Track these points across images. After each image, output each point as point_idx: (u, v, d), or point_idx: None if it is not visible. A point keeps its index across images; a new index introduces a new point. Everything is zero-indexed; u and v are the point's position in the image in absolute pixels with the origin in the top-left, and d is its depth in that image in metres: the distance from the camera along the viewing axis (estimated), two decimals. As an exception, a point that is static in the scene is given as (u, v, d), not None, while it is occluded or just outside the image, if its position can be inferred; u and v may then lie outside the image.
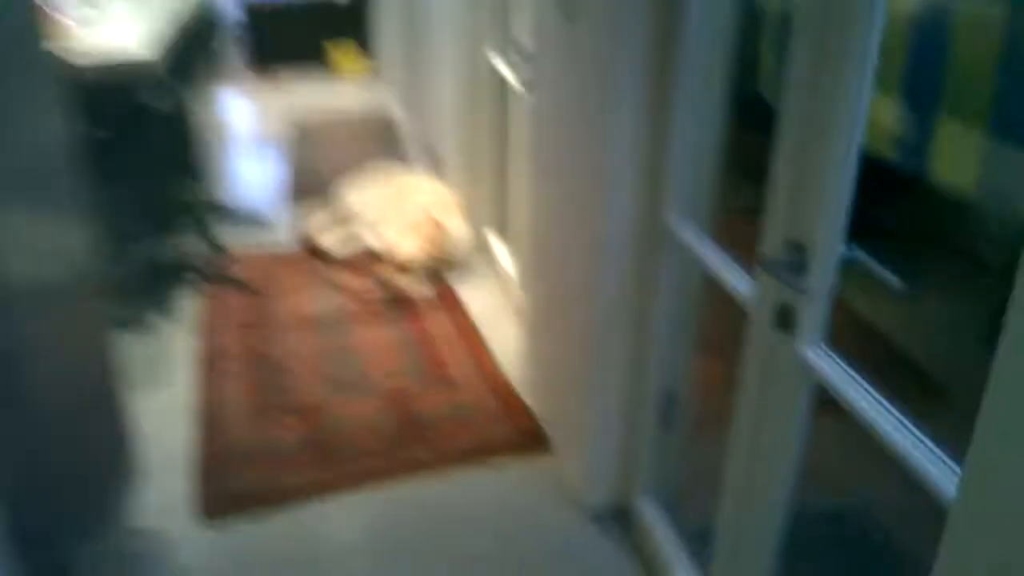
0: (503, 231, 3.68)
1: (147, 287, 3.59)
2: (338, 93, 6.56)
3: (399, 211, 3.72)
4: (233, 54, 7.24)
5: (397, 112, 5.87)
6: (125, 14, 3.64)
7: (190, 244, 3.93)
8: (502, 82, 3.36)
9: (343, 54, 6.93)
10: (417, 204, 3.68)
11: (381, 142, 5.29)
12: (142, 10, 3.69)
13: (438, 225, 3.57)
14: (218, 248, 3.92)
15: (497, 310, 3.36)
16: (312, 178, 4.70)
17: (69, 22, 3.31)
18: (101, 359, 2.19)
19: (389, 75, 6.38)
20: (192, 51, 3.92)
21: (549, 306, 2.55)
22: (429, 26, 4.47)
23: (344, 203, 4.04)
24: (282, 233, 4.13)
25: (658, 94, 1.90)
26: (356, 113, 5.93)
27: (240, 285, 3.59)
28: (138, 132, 3.37)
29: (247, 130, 5.96)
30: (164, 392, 2.99)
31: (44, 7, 3.34)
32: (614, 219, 2.03)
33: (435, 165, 4.36)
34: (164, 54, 3.32)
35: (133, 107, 3.28)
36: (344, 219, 4.00)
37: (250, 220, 4.25)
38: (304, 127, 5.63)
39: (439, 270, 3.57)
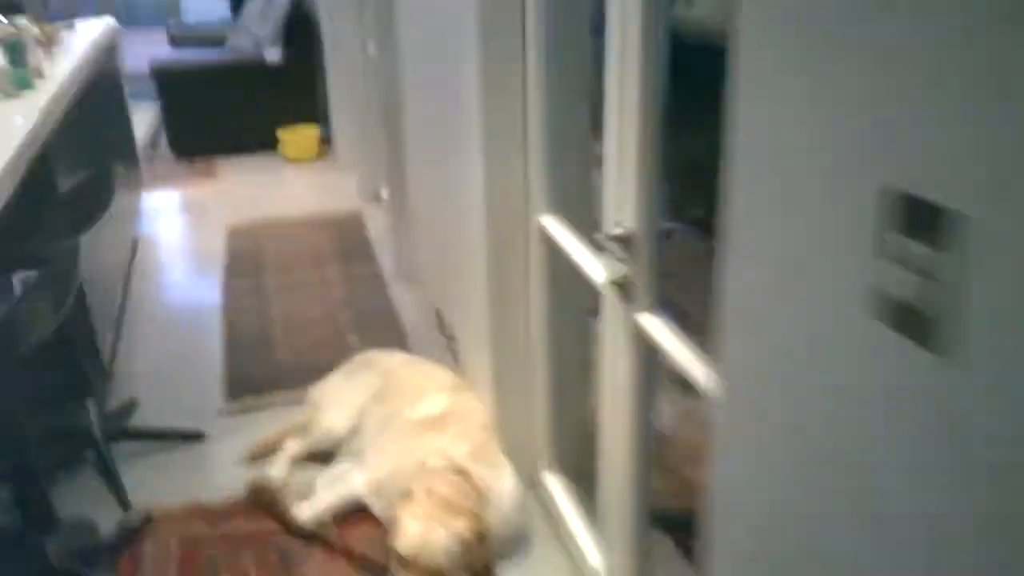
0: (576, 475, 2.34)
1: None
2: (286, 188, 5.14)
3: (410, 453, 2.34)
4: (147, 136, 5.80)
5: (371, 222, 4.48)
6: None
7: (85, 504, 2.50)
8: (583, 278, 2.03)
9: (288, 133, 5.51)
10: (438, 447, 2.30)
11: (354, 276, 3.88)
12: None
13: (479, 490, 2.20)
14: (127, 508, 2.51)
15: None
16: (264, 349, 3.29)
17: None
18: None
19: (355, 163, 4.99)
20: (86, 157, 2.51)
21: None
22: (421, 112, 3.12)
23: (317, 421, 2.65)
24: (223, 466, 2.71)
25: None
26: (315, 223, 4.52)
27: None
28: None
29: (171, 251, 4.51)
30: None
31: None
32: None
33: (445, 338, 3.00)
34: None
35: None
36: (314, 445, 2.62)
37: (174, 440, 2.83)
38: (245, 250, 4.20)
39: (481, 563, 2.20)
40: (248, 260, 4.08)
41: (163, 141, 5.69)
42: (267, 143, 5.55)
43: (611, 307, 1.73)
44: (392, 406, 2.53)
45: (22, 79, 2.75)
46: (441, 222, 2.86)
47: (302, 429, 2.67)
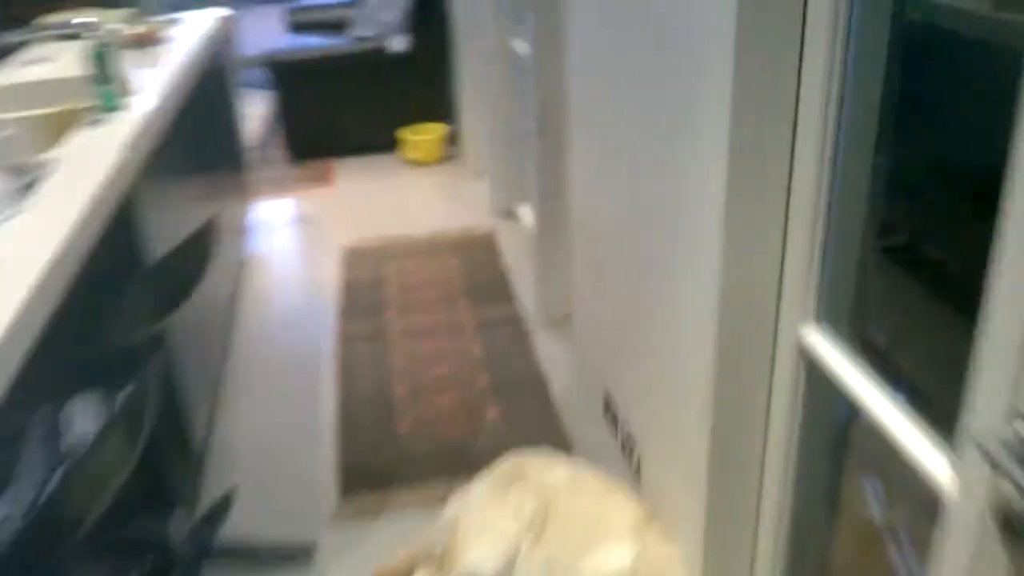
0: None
1: None
2: (409, 197, 4.55)
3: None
4: (259, 135, 5.34)
5: (506, 245, 3.85)
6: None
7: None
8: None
9: (411, 133, 4.93)
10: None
11: (490, 320, 3.27)
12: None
13: None
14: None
15: None
16: (385, 422, 2.71)
17: None
18: None
19: (485, 170, 4.37)
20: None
21: None
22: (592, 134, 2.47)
23: (456, 556, 2.04)
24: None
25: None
26: (442, 244, 3.92)
27: None
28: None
29: (280, 279, 3.98)
30: None
31: None
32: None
33: (616, 433, 2.35)
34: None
35: None
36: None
37: (278, 560, 2.29)
38: (362, 280, 3.64)
39: None
40: (366, 294, 3.52)
41: (276, 140, 5.20)
42: (387, 143, 4.99)
43: (980, 535, 1.04)
44: (557, 548, 1.90)
45: (108, 98, 2.22)
46: (621, 277, 2.20)
47: (435, 557, 2.08)
